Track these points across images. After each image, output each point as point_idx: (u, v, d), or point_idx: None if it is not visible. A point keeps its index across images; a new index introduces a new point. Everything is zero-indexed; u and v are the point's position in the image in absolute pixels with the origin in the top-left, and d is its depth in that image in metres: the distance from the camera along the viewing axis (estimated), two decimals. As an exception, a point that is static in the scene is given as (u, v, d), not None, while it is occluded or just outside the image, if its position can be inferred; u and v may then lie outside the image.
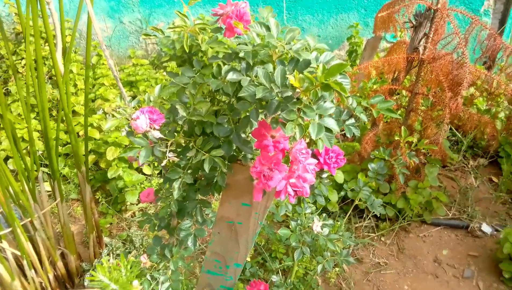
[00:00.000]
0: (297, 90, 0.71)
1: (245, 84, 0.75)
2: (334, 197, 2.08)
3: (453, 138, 2.69)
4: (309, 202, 1.30)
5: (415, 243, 2.16)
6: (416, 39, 1.86)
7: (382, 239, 2.17)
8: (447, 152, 2.05)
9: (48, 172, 2.37)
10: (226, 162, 0.99)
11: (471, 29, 1.76)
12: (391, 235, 2.19)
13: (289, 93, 0.73)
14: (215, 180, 1.03)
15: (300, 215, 1.27)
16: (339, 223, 1.40)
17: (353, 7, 3.28)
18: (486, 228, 2.18)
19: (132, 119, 0.84)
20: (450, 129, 2.60)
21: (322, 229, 1.20)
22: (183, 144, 0.96)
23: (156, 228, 1.36)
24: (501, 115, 2.40)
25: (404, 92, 2.27)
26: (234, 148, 1.00)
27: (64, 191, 2.34)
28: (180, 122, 0.96)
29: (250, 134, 1.03)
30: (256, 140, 0.89)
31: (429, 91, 1.88)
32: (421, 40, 1.86)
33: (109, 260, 2.04)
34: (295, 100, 0.73)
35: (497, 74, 1.83)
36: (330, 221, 1.27)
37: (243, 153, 1.00)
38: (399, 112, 2.40)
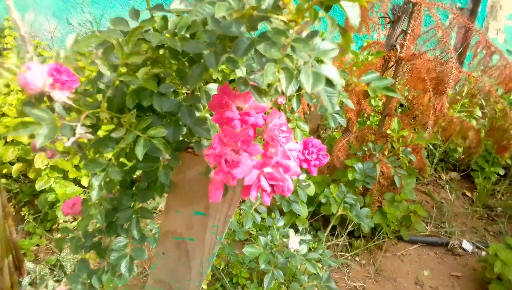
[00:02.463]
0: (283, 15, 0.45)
1: (196, 8, 0.48)
2: (304, 211, 1.82)
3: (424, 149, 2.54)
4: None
5: (393, 263, 1.93)
6: (394, 36, 1.68)
7: (357, 259, 1.93)
8: (426, 162, 1.86)
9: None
10: (172, 150, 0.70)
11: (453, 24, 1.60)
12: (366, 254, 1.95)
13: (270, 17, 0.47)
14: (156, 179, 0.74)
15: (270, 229, 0.99)
16: (318, 239, 1.13)
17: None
18: (467, 245, 1.99)
19: (21, 71, 0.54)
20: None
21: (299, 246, 0.93)
22: (106, 120, 0.66)
23: (79, 248, 1.03)
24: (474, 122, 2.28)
25: (378, 95, 2.08)
26: (184, 132, 0.71)
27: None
28: (104, 89, 0.66)
29: (207, 113, 0.75)
30: (214, 113, 0.61)
31: (406, 93, 1.69)
32: (399, 37, 1.68)
33: (28, 292, 1.64)
34: (279, 27, 0.46)
35: (479, 76, 1.68)
36: (308, 237, 1.00)
37: (196, 137, 0.72)
38: (374, 119, 2.22)
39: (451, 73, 1.45)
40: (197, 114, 0.70)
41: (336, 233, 1.98)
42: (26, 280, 1.69)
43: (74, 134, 0.59)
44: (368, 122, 2.23)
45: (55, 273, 1.77)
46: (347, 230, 1.86)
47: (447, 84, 1.45)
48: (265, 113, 0.63)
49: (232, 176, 0.55)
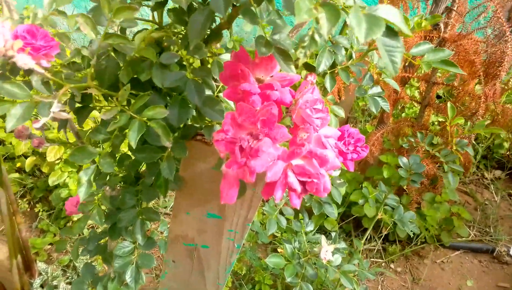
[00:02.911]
0: None
1: None
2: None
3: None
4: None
5: (432, 271, 1.74)
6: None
7: (392, 266, 1.75)
8: (471, 159, 1.66)
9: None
10: (176, 137, 0.56)
11: None
12: (402, 261, 1.77)
13: None
14: (158, 173, 0.60)
15: (298, 235, 0.84)
16: (348, 243, 0.98)
17: None
18: (516, 252, 1.78)
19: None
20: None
21: (333, 256, 0.78)
22: (96, 98, 0.53)
23: (81, 252, 0.91)
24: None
25: (416, 82, 1.89)
26: (193, 114, 0.58)
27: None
28: (89, 56, 0.53)
29: (221, 93, 0.61)
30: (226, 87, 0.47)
31: (450, 80, 1.50)
32: (442, 15, 1.49)
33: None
34: None
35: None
36: (342, 244, 0.84)
37: (206, 121, 0.58)
38: (409, 111, 2.02)
39: (506, 54, 1.25)
40: (208, 92, 0.56)
41: (369, 237, 1.80)
42: (37, 281, 1.60)
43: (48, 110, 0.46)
44: (402, 114, 2.04)
45: (68, 274, 1.68)
46: (382, 234, 1.69)
47: (501, 67, 1.26)
48: (292, 88, 0.48)
49: (249, 169, 0.40)
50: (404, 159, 0.84)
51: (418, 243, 1.79)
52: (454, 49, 1.44)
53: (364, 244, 1.79)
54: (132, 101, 0.52)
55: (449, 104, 0.77)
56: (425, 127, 1.65)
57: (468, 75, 1.39)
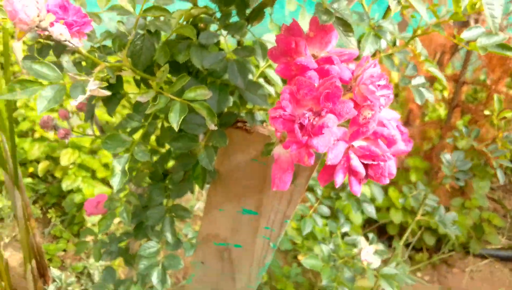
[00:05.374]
0: None
1: None
2: (357, 218, 1.59)
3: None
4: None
5: (461, 280, 1.66)
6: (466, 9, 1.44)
7: (419, 274, 1.67)
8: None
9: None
10: (216, 121, 0.52)
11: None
12: (429, 269, 1.69)
13: None
14: (194, 164, 0.56)
15: (334, 237, 0.79)
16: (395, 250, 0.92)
17: None
18: (550, 261, 1.70)
19: None
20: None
21: (373, 259, 0.72)
22: (131, 78, 0.49)
23: (104, 254, 0.86)
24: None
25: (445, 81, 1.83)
26: (232, 100, 0.53)
27: (3, 207, 1.83)
28: (126, 33, 0.49)
29: (261, 78, 0.56)
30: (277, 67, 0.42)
31: (483, 80, 1.44)
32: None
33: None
34: None
35: None
36: (381, 246, 0.79)
37: (248, 107, 0.53)
38: (432, 115, 1.97)
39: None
40: (249, 76, 0.51)
41: (393, 244, 1.73)
42: (51, 288, 1.56)
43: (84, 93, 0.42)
44: (425, 118, 1.99)
45: (82, 281, 1.64)
46: (408, 242, 1.62)
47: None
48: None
49: (311, 148, 0.36)
50: (447, 156, 0.78)
51: (446, 251, 1.71)
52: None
53: (389, 251, 1.71)
54: (165, 87, 0.48)
55: (495, 96, 0.73)
56: (453, 128, 1.59)
57: (500, 74, 1.33)
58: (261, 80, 0.57)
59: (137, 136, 0.53)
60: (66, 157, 1.62)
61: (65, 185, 1.66)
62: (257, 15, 0.51)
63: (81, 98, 0.40)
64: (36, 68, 0.43)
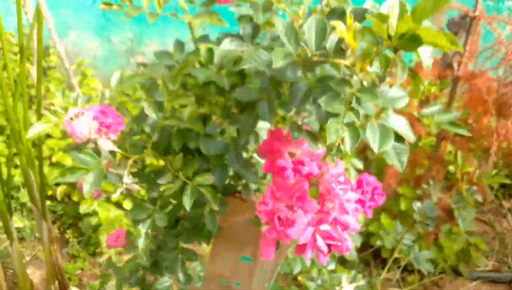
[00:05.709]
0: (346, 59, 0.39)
1: (250, 54, 0.43)
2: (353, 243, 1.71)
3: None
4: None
5: (450, 301, 1.77)
6: (450, 53, 1.57)
7: (410, 295, 1.79)
8: (487, 191, 1.71)
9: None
10: (219, 195, 0.65)
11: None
12: (420, 290, 1.81)
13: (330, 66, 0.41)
14: (202, 223, 0.70)
15: (320, 273, 0.92)
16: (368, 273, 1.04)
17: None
18: (535, 283, 1.80)
19: (68, 118, 0.52)
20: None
21: (353, 295, 0.85)
22: (151, 165, 0.63)
23: (123, 282, 1.00)
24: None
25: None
26: (231, 174, 0.67)
27: (24, 228, 1.98)
28: (150, 133, 0.63)
29: (255, 153, 0.70)
30: (264, 160, 0.56)
31: (465, 115, 1.57)
32: (455, 54, 1.57)
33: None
34: (340, 76, 0.40)
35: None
36: (362, 282, 0.91)
37: (243, 181, 0.67)
38: (428, 140, 2.09)
39: (517, 97, 1.32)
40: (244, 154, 0.65)
41: (387, 266, 1.85)
42: (72, 305, 1.70)
43: (121, 182, 0.56)
44: (419, 143, 2.11)
45: (99, 299, 1.77)
46: (400, 265, 1.73)
47: (513, 108, 1.32)
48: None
49: (286, 235, 0.49)
50: (418, 204, 0.91)
51: (436, 273, 1.82)
52: (467, 87, 1.51)
53: (382, 273, 1.83)
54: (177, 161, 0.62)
55: (459, 153, 0.84)
56: (441, 159, 1.71)
57: (481, 113, 1.45)
58: (255, 155, 0.70)
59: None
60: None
61: (82, 209, 1.81)
62: (247, 130, 0.64)
63: (119, 190, 0.54)
64: (81, 157, 0.58)
